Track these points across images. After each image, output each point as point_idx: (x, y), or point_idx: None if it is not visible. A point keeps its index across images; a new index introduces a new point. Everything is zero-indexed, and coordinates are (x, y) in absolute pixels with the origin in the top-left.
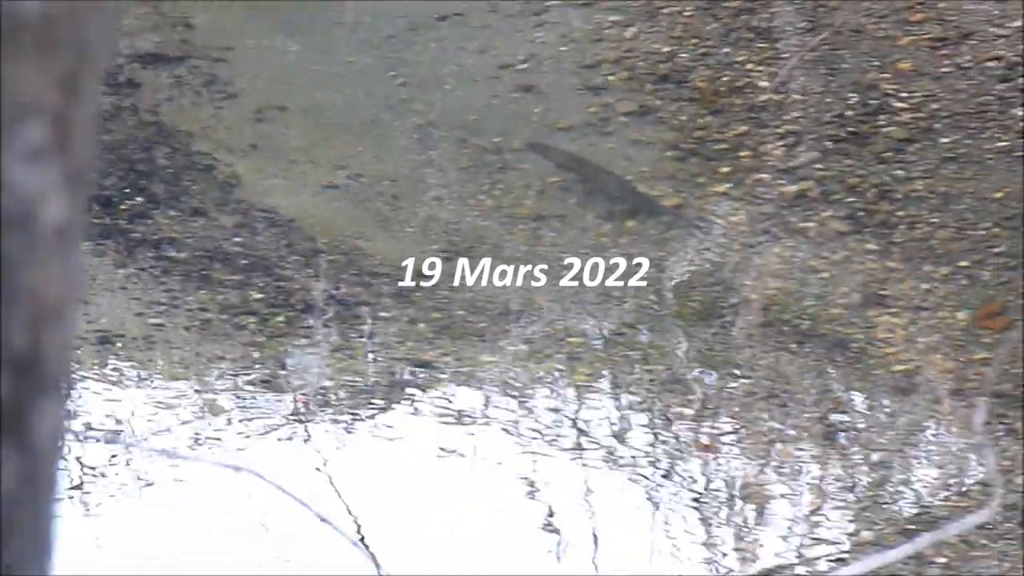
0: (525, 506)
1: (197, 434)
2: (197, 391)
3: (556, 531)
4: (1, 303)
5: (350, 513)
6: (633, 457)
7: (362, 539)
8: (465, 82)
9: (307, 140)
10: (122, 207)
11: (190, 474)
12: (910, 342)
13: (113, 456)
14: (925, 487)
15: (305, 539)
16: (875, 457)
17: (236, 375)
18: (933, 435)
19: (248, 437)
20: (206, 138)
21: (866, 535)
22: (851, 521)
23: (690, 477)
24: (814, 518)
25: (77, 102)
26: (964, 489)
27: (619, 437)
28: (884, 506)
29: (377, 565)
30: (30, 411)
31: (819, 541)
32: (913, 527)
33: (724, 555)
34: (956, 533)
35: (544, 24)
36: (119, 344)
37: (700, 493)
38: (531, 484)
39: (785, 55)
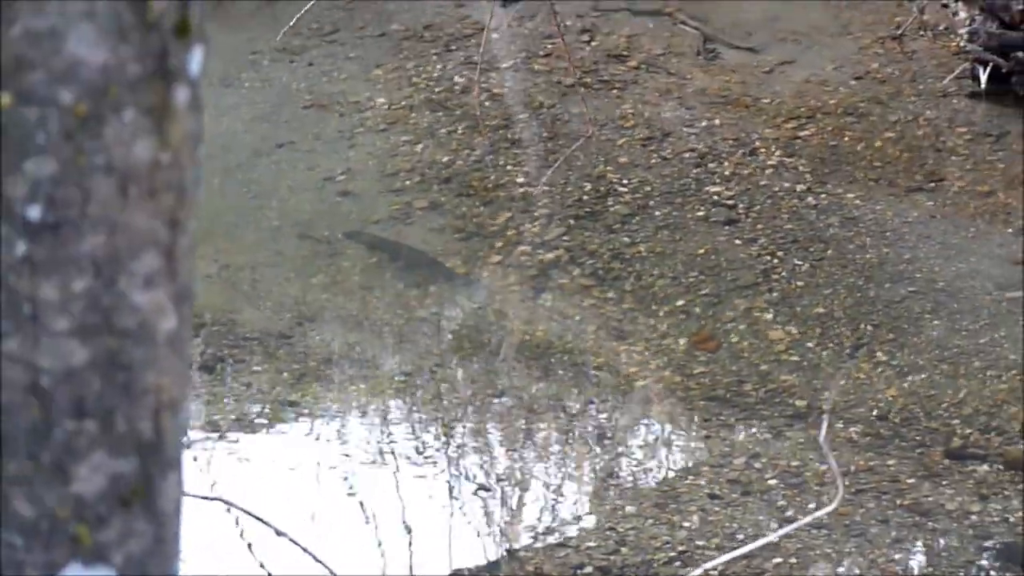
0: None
1: None
2: None
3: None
4: (129, 400)
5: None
6: (432, 458)
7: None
8: (299, 192)
9: None
10: None
11: None
12: (645, 364)
13: None
14: (664, 470)
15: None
16: (625, 451)
17: None
18: (665, 432)
19: None
20: None
21: (629, 509)
22: (617, 498)
23: (478, 473)
24: (587, 496)
25: (180, 236)
26: (697, 471)
27: (421, 444)
28: (638, 486)
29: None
30: (156, 485)
31: (592, 510)
32: (661, 499)
33: (508, 531)
34: (808, 523)
35: (355, 146)
36: None
37: (488, 486)
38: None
39: (534, 158)
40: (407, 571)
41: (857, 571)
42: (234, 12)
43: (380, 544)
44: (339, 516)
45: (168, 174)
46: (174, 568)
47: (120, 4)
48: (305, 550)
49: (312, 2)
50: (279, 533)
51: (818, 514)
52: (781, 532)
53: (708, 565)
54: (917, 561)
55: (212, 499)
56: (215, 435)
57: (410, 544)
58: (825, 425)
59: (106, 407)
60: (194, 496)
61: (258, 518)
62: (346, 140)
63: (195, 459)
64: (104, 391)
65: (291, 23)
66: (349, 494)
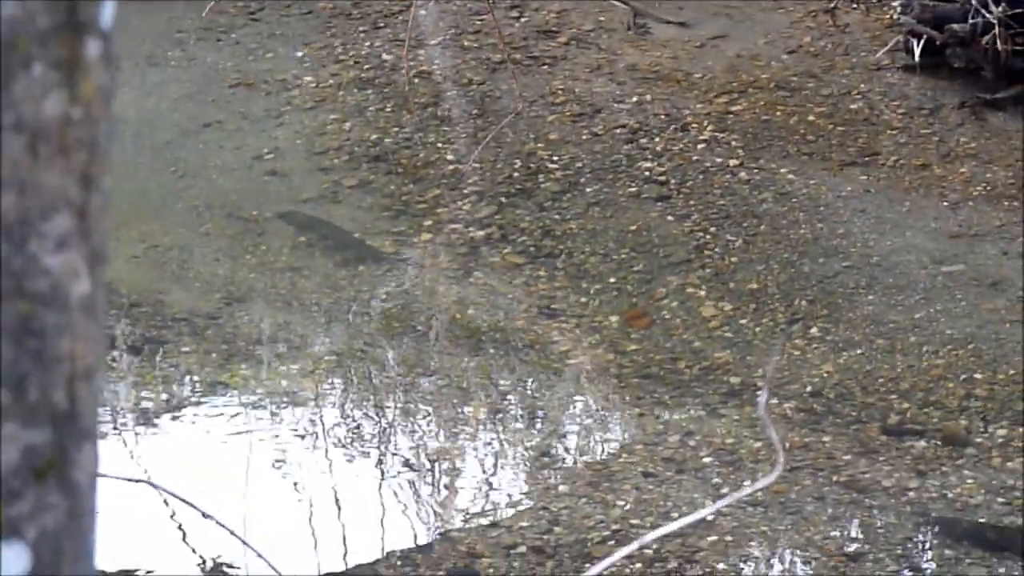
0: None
1: None
2: None
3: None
4: (42, 367)
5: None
6: (363, 439)
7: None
8: (226, 171)
9: (114, 223)
10: None
11: None
12: (577, 342)
13: None
14: (598, 449)
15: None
16: (558, 430)
17: None
18: (599, 410)
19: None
20: None
21: (563, 489)
22: (551, 477)
23: (409, 454)
24: (520, 476)
25: (93, 194)
26: (631, 450)
27: (352, 425)
28: (572, 465)
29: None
30: (71, 457)
31: (525, 489)
32: (595, 477)
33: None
34: (748, 494)
35: (282, 124)
36: None
37: (415, 462)
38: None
39: (464, 135)
40: (339, 552)
41: (793, 549)
42: None
43: (311, 525)
44: (269, 497)
45: (80, 130)
46: (90, 543)
47: None
48: (232, 532)
49: None
50: (205, 516)
51: (760, 484)
52: (720, 503)
53: (639, 542)
54: (854, 538)
55: (138, 481)
56: (143, 417)
57: (342, 525)
58: (765, 396)
59: (18, 375)
60: (120, 478)
61: (184, 500)
62: (273, 119)
63: (123, 441)
64: (16, 358)
65: (216, 0)
66: (279, 475)
